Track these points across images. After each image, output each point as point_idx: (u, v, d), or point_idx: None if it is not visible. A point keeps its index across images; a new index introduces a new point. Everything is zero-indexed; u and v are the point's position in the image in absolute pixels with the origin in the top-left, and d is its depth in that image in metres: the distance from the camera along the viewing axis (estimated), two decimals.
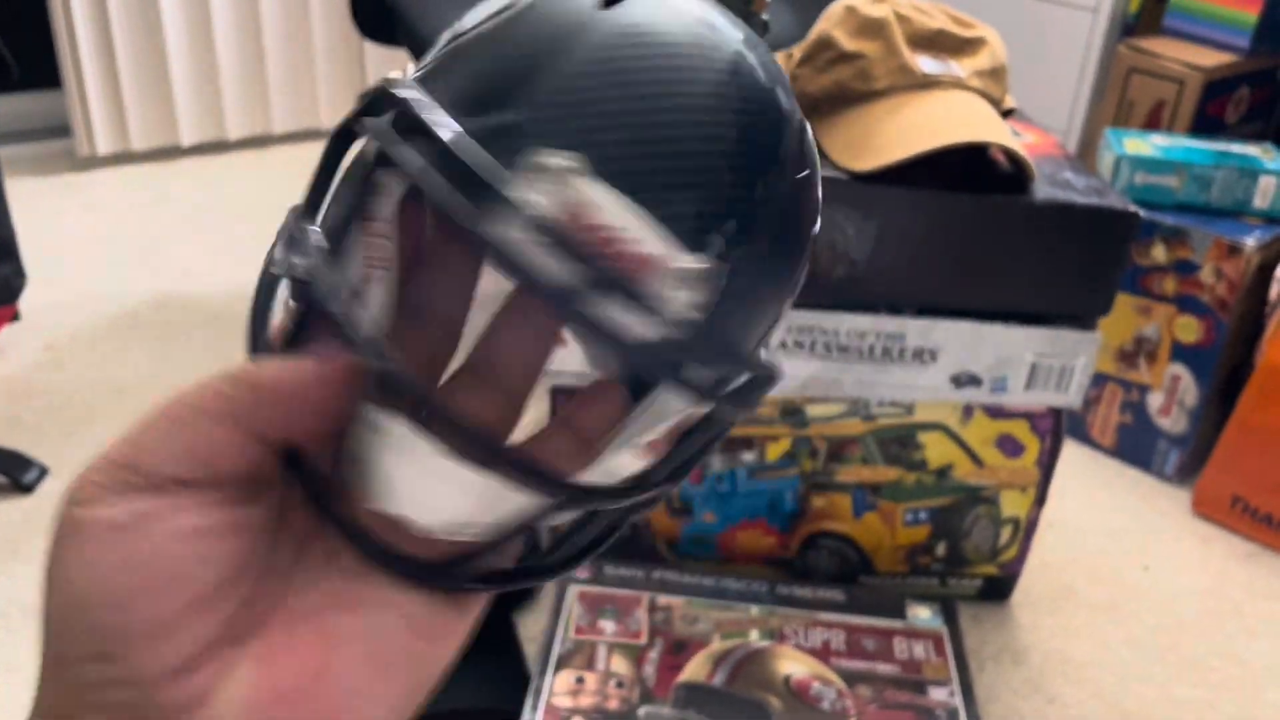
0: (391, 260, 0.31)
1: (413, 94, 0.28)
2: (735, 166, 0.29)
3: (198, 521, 0.27)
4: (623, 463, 0.32)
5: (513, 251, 0.26)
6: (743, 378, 0.31)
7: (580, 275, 0.26)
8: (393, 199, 0.31)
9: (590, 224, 0.27)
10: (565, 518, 0.31)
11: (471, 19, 0.31)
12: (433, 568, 0.29)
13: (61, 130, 2.07)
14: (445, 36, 0.32)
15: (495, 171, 0.27)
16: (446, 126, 0.27)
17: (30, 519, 1.15)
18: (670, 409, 0.31)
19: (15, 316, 1.47)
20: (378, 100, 0.29)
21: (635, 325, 0.27)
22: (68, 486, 0.27)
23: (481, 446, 0.27)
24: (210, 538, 0.27)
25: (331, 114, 2.21)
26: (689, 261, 0.28)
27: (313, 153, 2.16)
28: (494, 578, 0.30)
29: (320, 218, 0.31)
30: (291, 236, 0.30)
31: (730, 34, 0.30)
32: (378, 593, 0.29)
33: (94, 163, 2.02)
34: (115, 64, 1.96)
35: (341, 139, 0.30)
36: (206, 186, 2.00)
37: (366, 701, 0.28)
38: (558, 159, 0.27)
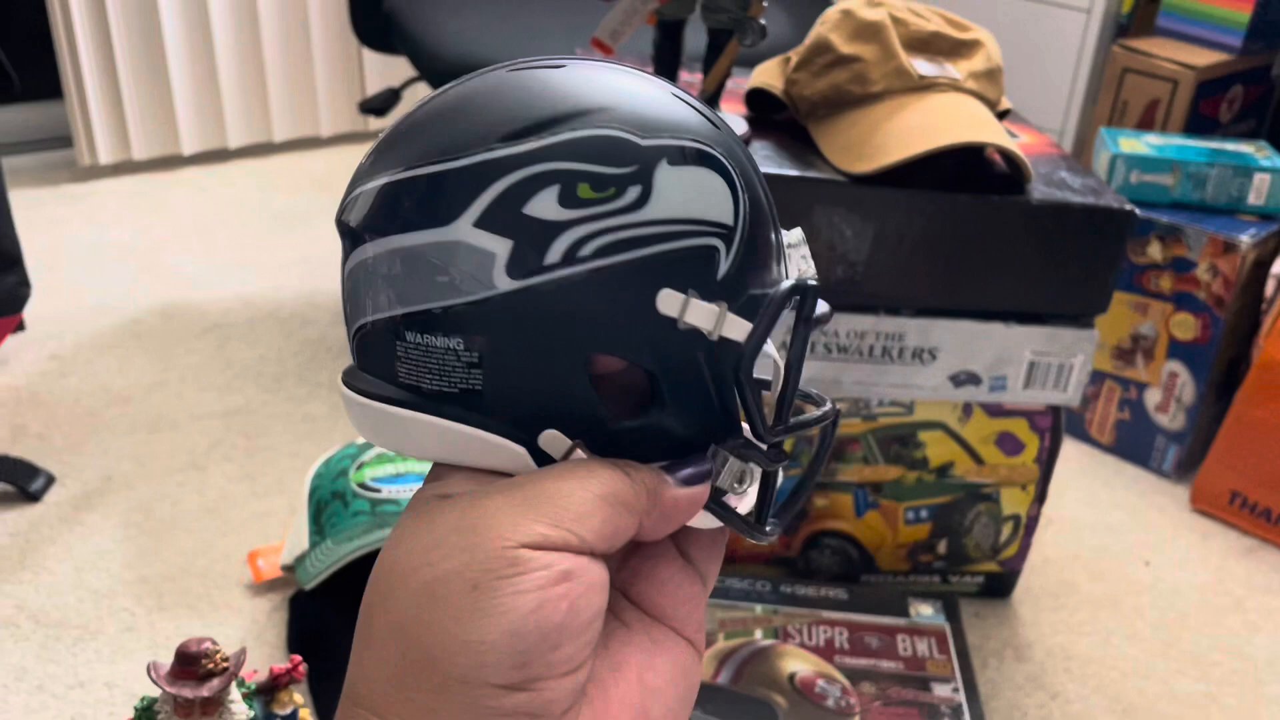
0: None
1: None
2: None
3: (603, 579, 0.32)
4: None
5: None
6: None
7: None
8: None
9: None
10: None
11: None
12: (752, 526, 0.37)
13: (63, 140, 2.08)
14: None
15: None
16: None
17: (37, 528, 1.16)
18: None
19: (20, 326, 1.48)
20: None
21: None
22: (502, 526, 0.30)
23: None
24: (605, 593, 0.32)
25: (331, 121, 2.22)
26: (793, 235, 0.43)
27: (312, 160, 2.17)
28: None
29: None
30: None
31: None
32: (654, 640, 0.35)
33: (96, 172, 2.03)
34: (116, 74, 1.97)
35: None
36: (208, 195, 2.01)
37: None
38: (795, 237, 0.42)
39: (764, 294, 0.34)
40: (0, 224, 1.38)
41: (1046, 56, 1.73)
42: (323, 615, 1.03)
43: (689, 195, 0.32)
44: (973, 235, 0.95)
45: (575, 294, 0.32)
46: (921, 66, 0.95)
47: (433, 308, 0.32)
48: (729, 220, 0.33)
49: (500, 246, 0.31)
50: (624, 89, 0.33)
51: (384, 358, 0.34)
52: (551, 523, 0.31)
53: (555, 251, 0.31)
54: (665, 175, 0.32)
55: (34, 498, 1.19)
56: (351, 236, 0.34)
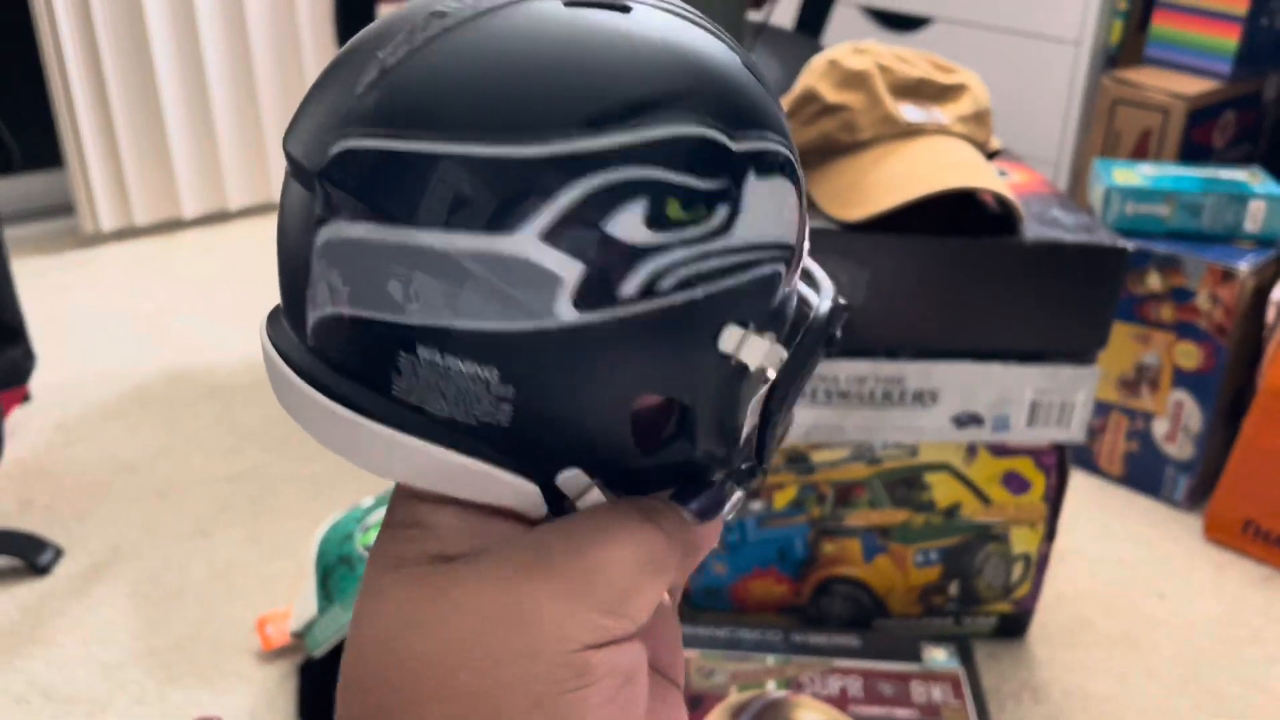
0: None
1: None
2: None
3: (645, 660, 0.29)
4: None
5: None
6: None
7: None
8: None
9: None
10: None
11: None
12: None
13: (65, 208, 2.11)
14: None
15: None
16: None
17: (46, 601, 1.16)
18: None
19: (26, 398, 1.49)
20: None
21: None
22: (559, 622, 0.27)
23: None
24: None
25: None
26: None
27: None
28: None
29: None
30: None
31: None
32: (667, 699, 0.32)
33: (98, 239, 2.05)
34: (116, 141, 1.99)
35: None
36: (210, 257, 2.02)
37: None
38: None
39: (787, 309, 0.30)
40: (3, 296, 1.40)
41: (1037, 90, 1.74)
42: (332, 682, 1.02)
43: (770, 215, 0.28)
44: (967, 278, 0.95)
45: (643, 332, 0.26)
46: (909, 112, 0.96)
47: (464, 328, 0.26)
48: (792, 240, 0.29)
49: (569, 270, 0.25)
50: (707, 59, 0.28)
51: (371, 361, 0.27)
52: (607, 609, 0.27)
53: (633, 283, 0.26)
54: (752, 191, 0.27)
55: (42, 571, 1.19)
56: (321, 190, 0.27)
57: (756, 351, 0.28)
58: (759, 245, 0.28)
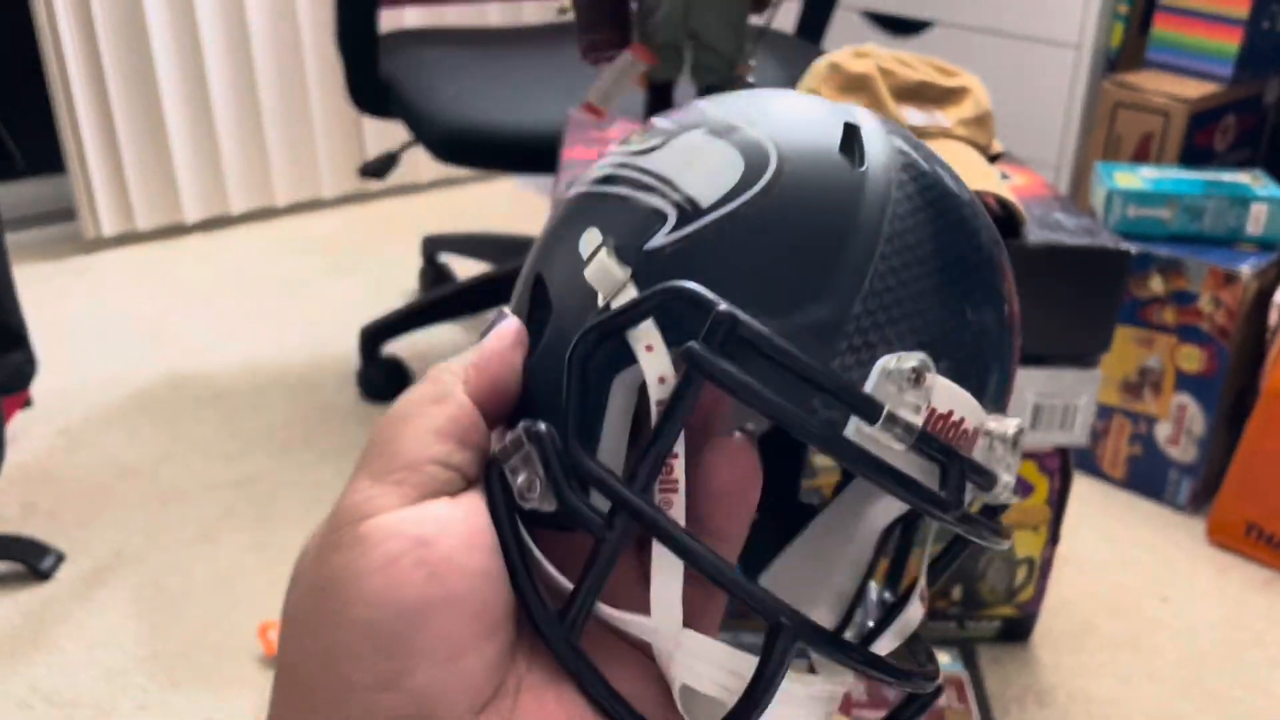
0: (679, 484, 0.29)
1: (725, 306, 0.26)
2: (1009, 337, 0.30)
3: (486, 531, 0.27)
4: (913, 615, 0.32)
5: (893, 467, 0.26)
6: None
7: (948, 472, 0.27)
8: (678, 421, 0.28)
9: (941, 415, 0.27)
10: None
11: (698, 185, 0.29)
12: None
13: (67, 214, 2.11)
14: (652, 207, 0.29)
15: (850, 387, 0.26)
16: (767, 335, 0.26)
17: (49, 606, 1.16)
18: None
19: (28, 403, 1.49)
20: (667, 304, 0.27)
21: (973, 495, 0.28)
22: (346, 504, 0.26)
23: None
24: (494, 554, 0.26)
25: (332, 184, 2.24)
26: (1011, 426, 0.29)
27: (315, 223, 2.19)
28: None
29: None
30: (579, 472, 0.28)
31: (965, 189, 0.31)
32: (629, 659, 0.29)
33: (100, 244, 2.05)
34: (117, 146, 1.99)
35: (604, 340, 0.28)
36: (212, 262, 2.02)
37: None
38: (909, 361, 0.26)
39: None
40: (4, 301, 1.40)
41: (1039, 93, 1.74)
42: None
43: None
44: None
45: None
46: (911, 116, 0.96)
47: None
48: None
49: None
50: None
51: None
52: (378, 474, 0.27)
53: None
54: None
55: (45, 576, 1.19)
56: None
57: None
58: None
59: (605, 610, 0.28)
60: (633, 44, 0.89)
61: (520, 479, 0.27)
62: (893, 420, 0.26)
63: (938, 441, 0.27)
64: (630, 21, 0.91)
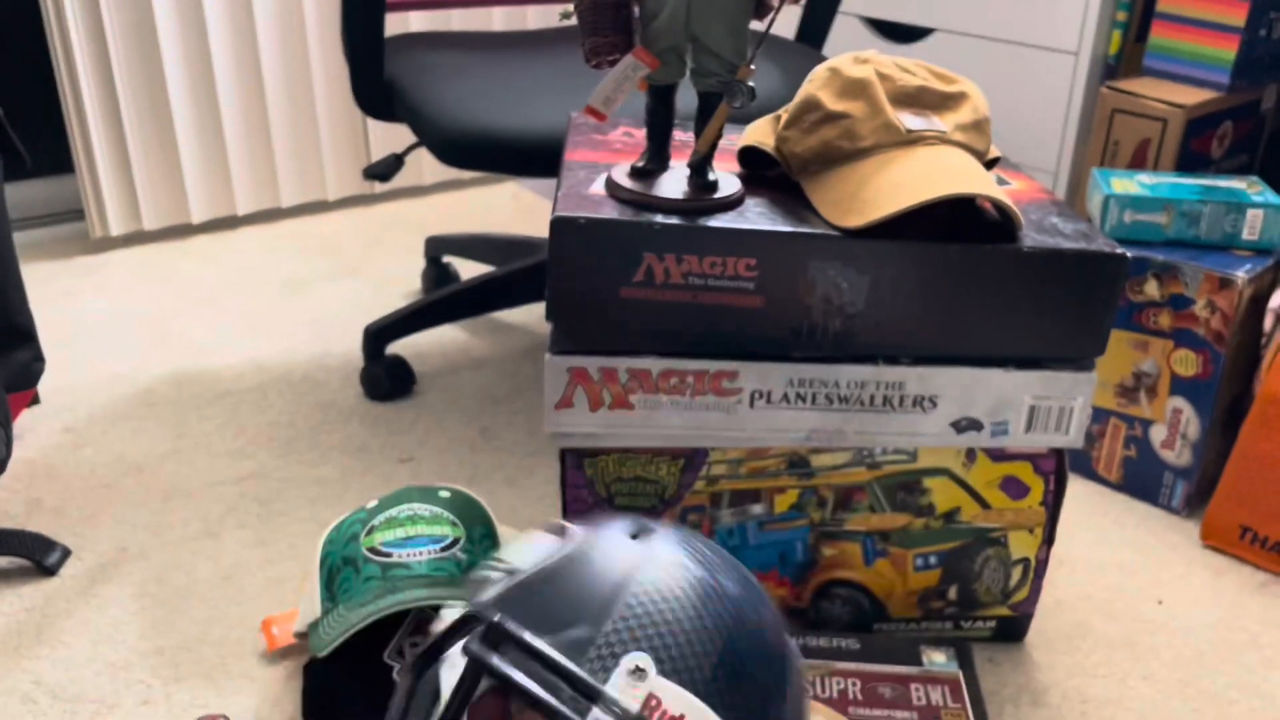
0: None
1: (511, 623, 0.36)
2: (768, 685, 0.38)
3: None
4: None
5: None
6: None
7: None
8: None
9: (667, 711, 0.35)
10: None
11: (522, 559, 0.39)
12: None
13: (75, 213, 2.13)
14: (493, 575, 0.40)
15: (589, 681, 0.35)
16: (542, 646, 0.35)
17: (53, 601, 1.17)
18: None
19: (35, 400, 1.50)
20: (465, 623, 0.36)
21: None
22: None
23: None
24: None
25: (337, 186, 2.26)
26: None
27: (320, 224, 2.21)
28: None
29: None
30: None
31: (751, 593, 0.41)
32: None
33: (107, 244, 2.07)
34: (125, 147, 2.01)
35: (425, 661, 0.38)
36: (218, 262, 2.04)
37: None
38: (639, 659, 0.36)
39: None
40: (13, 299, 1.41)
41: (1037, 100, 1.75)
42: (336, 682, 1.03)
43: None
44: (967, 284, 0.96)
45: None
46: (909, 121, 0.97)
47: None
48: None
49: None
50: None
51: None
52: None
53: None
54: None
55: (50, 571, 1.21)
56: None
57: None
58: None
59: None
60: (635, 48, 0.91)
61: None
62: (613, 703, 0.34)
63: None
64: (633, 26, 0.92)
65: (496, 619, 0.34)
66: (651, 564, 0.37)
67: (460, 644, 0.35)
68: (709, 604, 0.37)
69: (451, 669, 0.35)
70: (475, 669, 0.34)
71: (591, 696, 0.32)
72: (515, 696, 0.33)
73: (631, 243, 0.92)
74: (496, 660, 0.34)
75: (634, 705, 0.33)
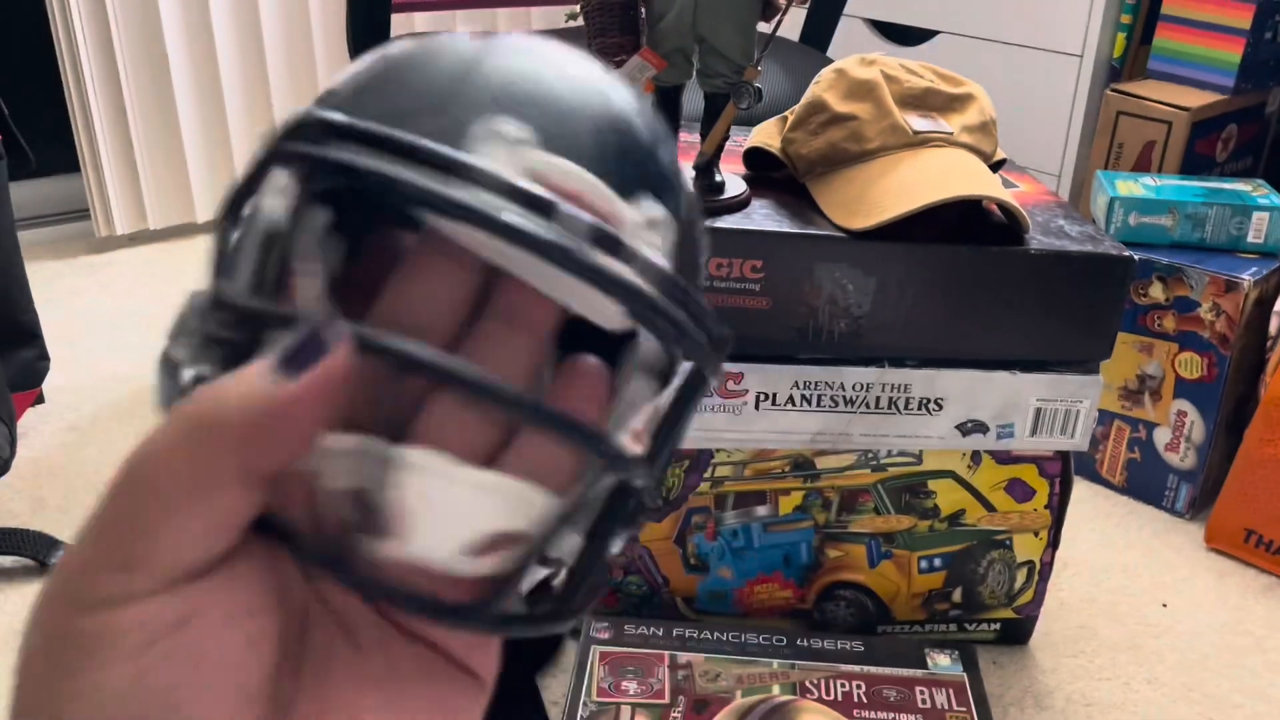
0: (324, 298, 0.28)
1: (339, 116, 0.26)
2: (651, 143, 0.29)
3: (248, 597, 0.24)
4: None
5: (502, 217, 0.25)
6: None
7: (576, 231, 0.26)
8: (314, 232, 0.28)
9: (558, 185, 0.26)
10: (585, 516, 0.29)
11: (332, 81, 0.30)
12: (466, 608, 0.27)
13: (80, 213, 2.13)
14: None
15: (451, 153, 0.25)
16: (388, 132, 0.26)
17: None
18: (647, 389, 0.31)
19: (39, 399, 1.50)
20: (301, 127, 0.27)
21: (630, 274, 0.26)
22: (56, 588, 0.23)
23: (521, 401, 0.26)
24: (260, 615, 0.24)
25: None
26: (653, 211, 0.28)
27: None
28: (522, 620, 0.28)
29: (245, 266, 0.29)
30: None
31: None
32: (397, 671, 0.27)
33: (113, 243, 2.07)
34: (131, 146, 2.01)
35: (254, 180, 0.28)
36: None
37: None
38: (512, 128, 0.27)
39: None
40: (19, 299, 1.41)
41: (1042, 102, 1.75)
42: None
43: None
44: (973, 286, 0.96)
45: None
46: (915, 122, 0.97)
47: None
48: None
49: None
50: None
51: None
52: (121, 566, 0.22)
53: None
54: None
55: None
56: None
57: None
58: None
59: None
60: (642, 49, 0.91)
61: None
62: (490, 177, 0.25)
63: (556, 207, 0.26)
64: (640, 27, 0.92)
65: (316, 115, 0.26)
66: (501, 45, 0.29)
67: (275, 169, 0.27)
68: (572, 67, 0.29)
69: (276, 197, 0.27)
70: (305, 172, 0.26)
71: (462, 174, 0.25)
72: (368, 188, 0.25)
73: None
74: (333, 151, 0.25)
75: (518, 176, 0.26)
